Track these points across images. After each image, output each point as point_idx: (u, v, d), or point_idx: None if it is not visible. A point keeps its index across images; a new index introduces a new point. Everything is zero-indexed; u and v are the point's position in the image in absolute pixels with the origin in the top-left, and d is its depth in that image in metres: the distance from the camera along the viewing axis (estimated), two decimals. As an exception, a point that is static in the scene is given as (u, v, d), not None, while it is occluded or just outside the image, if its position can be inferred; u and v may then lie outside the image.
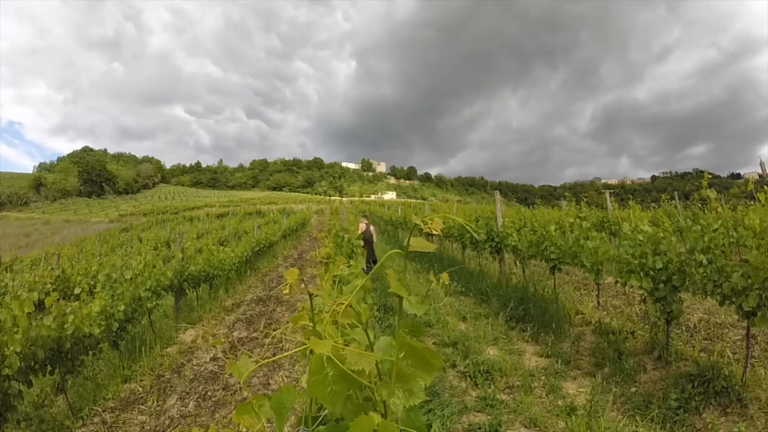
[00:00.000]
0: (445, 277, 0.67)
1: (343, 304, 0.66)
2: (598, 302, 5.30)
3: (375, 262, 8.41)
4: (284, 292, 0.70)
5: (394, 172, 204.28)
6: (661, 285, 3.93)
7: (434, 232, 0.65)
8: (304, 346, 0.64)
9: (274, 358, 0.71)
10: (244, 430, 0.63)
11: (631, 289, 5.68)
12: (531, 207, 11.31)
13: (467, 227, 0.62)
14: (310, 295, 0.71)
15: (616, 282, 4.56)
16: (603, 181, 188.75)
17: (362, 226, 8.56)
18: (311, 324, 0.76)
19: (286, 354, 0.74)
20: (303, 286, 0.73)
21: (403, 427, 0.65)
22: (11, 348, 3.53)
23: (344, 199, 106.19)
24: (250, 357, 0.71)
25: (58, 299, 4.30)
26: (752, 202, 3.88)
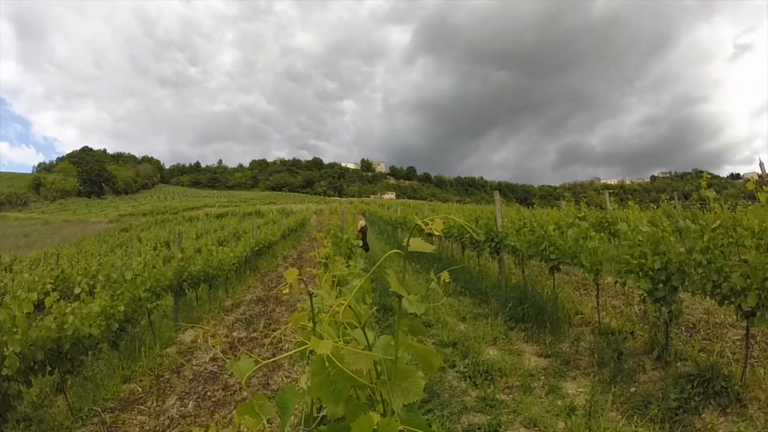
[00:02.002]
0: (445, 275, 0.68)
1: (343, 304, 0.66)
2: (598, 302, 5.30)
3: (367, 249, 11.43)
4: (284, 292, 0.70)
5: (393, 172, 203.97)
6: (661, 285, 3.93)
7: (436, 233, 0.65)
8: (305, 347, 0.64)
9: (275, 359, 0.71)
10: (246, 429, 0.63)
11: (630, 289, 5.68)
12: (530, 207, 11.31)
13: (468, 228, 0.62)
14: (310, 294, 0.72)
15: (616, 282, 4.57)
16: (602, 181, 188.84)
17: (361, 223, 11.76)
18: (311, 324, 0.76)
19: (286, 354, 0.74)
20: (303, 286, 0.73)
21: (402, 426, 0.65)
22: (11, 348, 3.52)
23: (343, 199, 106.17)
24: (249, 357, 0.71)
25: (58, 299, 4.30)
26: (750, 202, 3.89)
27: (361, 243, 5.71)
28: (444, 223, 0.66)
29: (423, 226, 0.65)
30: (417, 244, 0.66)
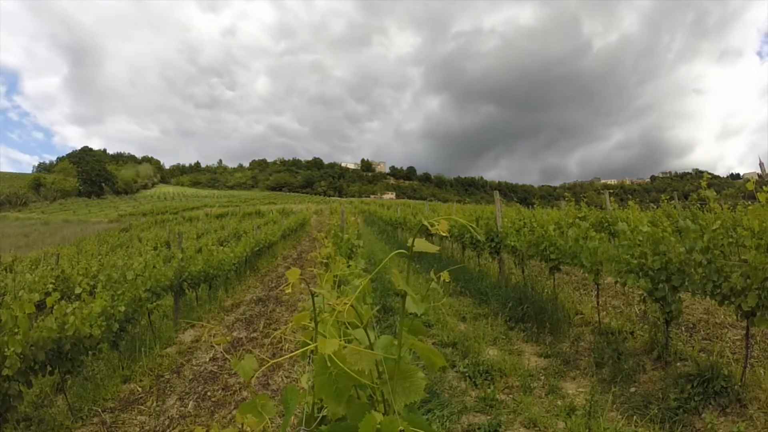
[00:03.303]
0: (445, 275, 0.68)
1: (345, 304, 0.66)
2: (598, 302, 5.30)
3: None
4: (286, 291, 0.70)
5: (393, 172, 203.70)
6: (661, 285, 3.94)
7: (442, 234, 0.65)
8: (310, 346, 0.65)
9: (281, 359, 0.71)
10: (248, 429, 0.64)
11: (630, 289, 5.68)
12: (531, 207, 11.30)
13: (471, 228, 0.63)
14: (312, 294, 0.72)
15: (616, 282, 4.57)
16: (602, 181, 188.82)
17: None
18: (313, 324, 0.76)
19: (290, 355, 0.74)
20: (305, 285, 0.73)
21: (404, 426, 0.66)
22: (11, 349, 3.53)
23: (343, 199, 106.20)
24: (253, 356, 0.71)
25: (59, 299, 4.30)
26: (750, 202, 3.89)
27: (362, 243, 5.73)
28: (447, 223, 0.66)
29: (429, 227, 0.65)
30: (421, 245, 0.66)
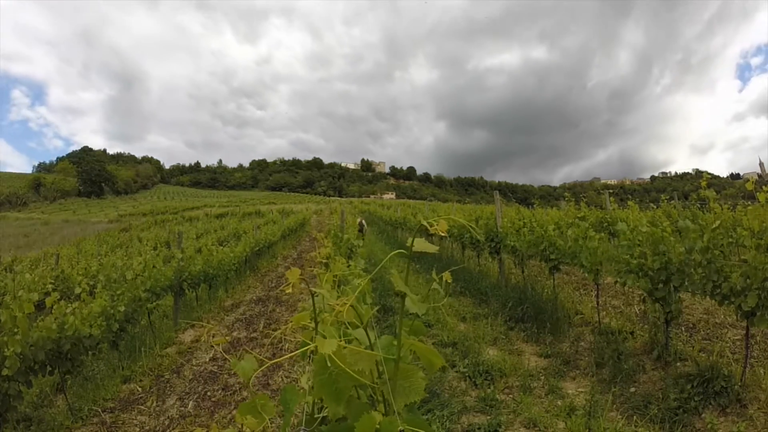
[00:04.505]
0: (447, 276, 0.68)
1: (346, 304, 0.66)
2: (598, 302, 5.30)
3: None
4: (287, 291, 0.70)
5: (393, 172, 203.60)
6: (660, 285, 3.93)
7: (441, 234, 0.65)
8: (310, 346, 0.64)
9: (281, 359, 0.71)
10: (247, 430, 0.64)
11: (630, 289, 5.68)
12: (530, 207, 11.29)
13: (471, 229, 0.62)
14: (313, 294, 0.72)
15: (616, 282, 4.57)
16: (602, 181, 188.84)
17: (362, 223, 14.50)
18: (313, 324, 0.76)
19: (290, 355, 0.74)
20: (305, 285, 0.73)
21: (404, 426, 0.66)
22: (11, 349, 3.52)
23: (343, 199, 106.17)
24: (253, 357, 0.71)
25: (59, 299, 4.30)
26: (750, 202, 3.89)
27: (362, 243, 5.74)
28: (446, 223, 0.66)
29: (428, 227, 0.65)
30: (421, 245, 0.66)
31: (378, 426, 0.58)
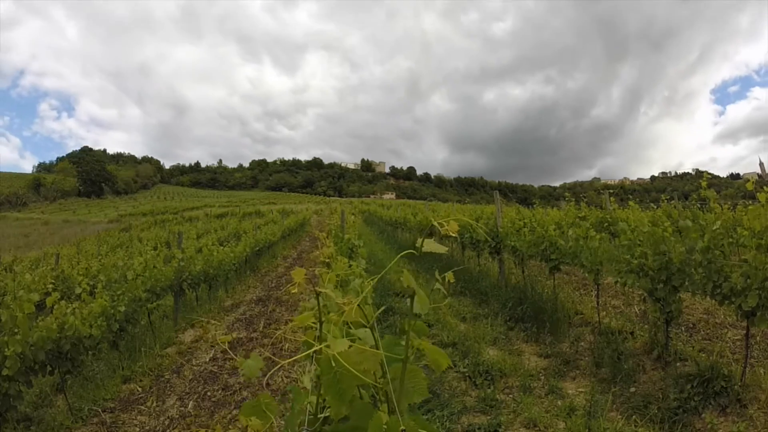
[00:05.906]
0: (450, 276, 0.68)
1: (353, 303, 0.66)
2: (598, 302, 5.30)
3: None
4: (292, 291, 0.70)
5: (393, 172, 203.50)
6: (661, 285, 3.94)
7: (452, 234, 0.65)
8: (318, 346, 0.65)
9: (290, 360, 0.71)
10: (250, 430, 0.64)
11: (630, 289, 5.69)
12: (531, 207, 11.29)
13: (477, 228, 0.63)
14: (317, 294, 0.72)
15: (616, 282, 4.57)
16: (602, 181, 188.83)
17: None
18: (317, 324, 0.76)
19: (302, 354, 0.74)
20: (310, 285, 0.74)
21: (407, 426, 0.66)
22: (11, 349, 3.52)
23: (343, 199, 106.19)
24: (259, 356, 0.71)
25: (59, 299, 4.30)
26: (750, 202, 3.89)
27: (362, 243, 5.74)
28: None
29: (439, 228, 0.65)
30: (431, 245, 0.66)
31: (385, 426, 0.58)
